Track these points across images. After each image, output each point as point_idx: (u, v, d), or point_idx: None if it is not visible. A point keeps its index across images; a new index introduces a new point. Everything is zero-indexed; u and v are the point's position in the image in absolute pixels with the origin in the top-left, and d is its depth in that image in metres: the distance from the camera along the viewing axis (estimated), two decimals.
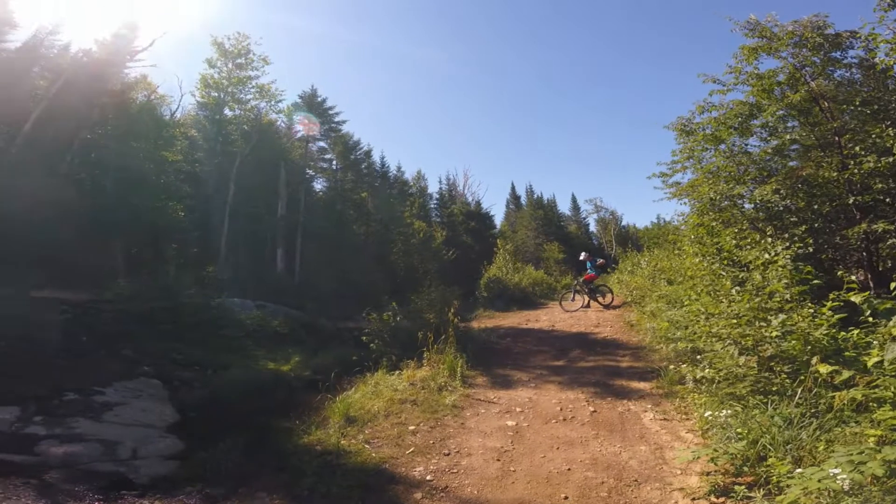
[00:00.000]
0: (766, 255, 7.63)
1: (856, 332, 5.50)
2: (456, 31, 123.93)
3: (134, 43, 21.58)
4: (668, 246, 17.88)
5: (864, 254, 9.36)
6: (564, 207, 66.86)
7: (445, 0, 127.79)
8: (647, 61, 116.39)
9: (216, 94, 29.71)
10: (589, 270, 18.11)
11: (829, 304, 5.80)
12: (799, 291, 6.48)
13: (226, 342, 12.89)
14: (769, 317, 6.27)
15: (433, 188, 53.29)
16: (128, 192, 19.41)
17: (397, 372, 9.13)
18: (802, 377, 5.34)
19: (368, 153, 38.63)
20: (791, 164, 10.75)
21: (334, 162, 36.45)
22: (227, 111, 30.46)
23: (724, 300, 7.69)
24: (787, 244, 7.83)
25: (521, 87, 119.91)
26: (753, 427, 4.94)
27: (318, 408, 7.74)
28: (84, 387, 7.90)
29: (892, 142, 8.26)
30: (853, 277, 7.58)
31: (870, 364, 4.79)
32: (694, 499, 4.58)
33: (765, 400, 5.42)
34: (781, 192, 9.50)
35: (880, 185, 8.72)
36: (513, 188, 65.59)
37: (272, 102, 31.47)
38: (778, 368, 5.71)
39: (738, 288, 7.68)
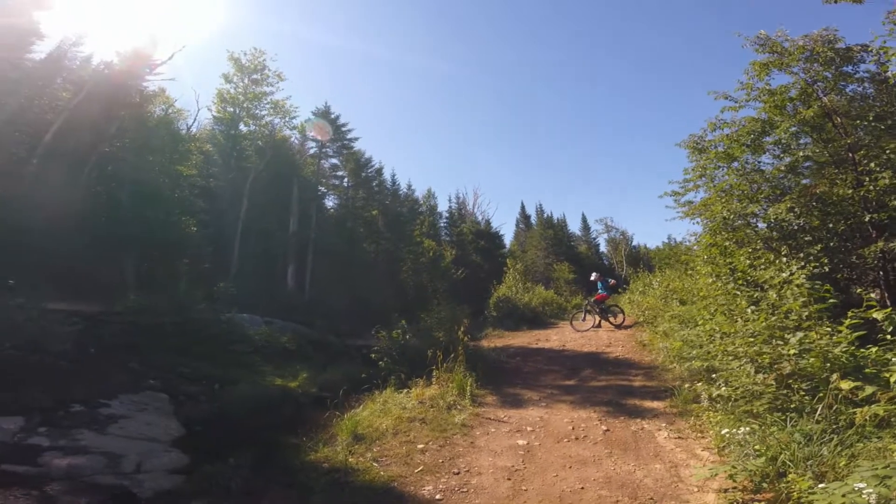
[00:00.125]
0: (783, 275, 7.51)
1: (874, 349, 5.44)
2: (469, 47, 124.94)
3: (154, 56, 21.93)
4: (679, 266, 17.79)
5: (881, 273, 9.23)
6: (575, 227, 66.90)
7: (459, 17, 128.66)
8: (659, 79, 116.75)
9: (232, 110, 30.03)
10: (600, 290, 18.05)
11: (847, 321, 5.73)
12: (817, 310, 6.39)
13: (234, 357, 12.83)
14: (786, 335, 6.20)
15: (443, 206, 53.58)
16: (143, 205, 19.53)
17: (406, 390, 9.03)
18: (821, 394, 5.27)
19: (380, 170, 38.89)
20: (804, 181, 10.64)
21: (346, 179, 36.56)
22: (241, 126, 30.78)
23: (739, 319, 7.60)
24: (803, 263, 7.74)
25: (533, 106, 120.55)
26: (772, 444, 4.84)
27: (326, 425, 7.64)
28: (90, 399, 7.88)
29: None
30: (872, 295, 7.47)
31: (892, 380, 4.73)
32: None
33: (783, 417, 5.33)
34: (796, 210, 9.43)
35: None
36: (522, 207, 65.86)
37: (286, 118, 31.81)
38: (796, 386, 5.64)
39: (753, 307, 7.58)
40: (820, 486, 3.88)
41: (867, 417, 4.58)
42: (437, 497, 5.27)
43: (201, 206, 25.69)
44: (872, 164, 8.85)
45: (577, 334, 16.36)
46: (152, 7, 32.08)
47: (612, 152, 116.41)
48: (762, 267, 8.51)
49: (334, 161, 36.45)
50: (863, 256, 9.05)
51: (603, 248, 67.98)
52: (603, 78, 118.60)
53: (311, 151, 35.76)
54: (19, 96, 17.02)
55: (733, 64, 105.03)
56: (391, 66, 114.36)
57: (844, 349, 5.51)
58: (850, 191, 9.13)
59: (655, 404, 8.17)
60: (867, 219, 8.90)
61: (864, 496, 3.40)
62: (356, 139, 36.08)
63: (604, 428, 7.20)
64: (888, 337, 5.37)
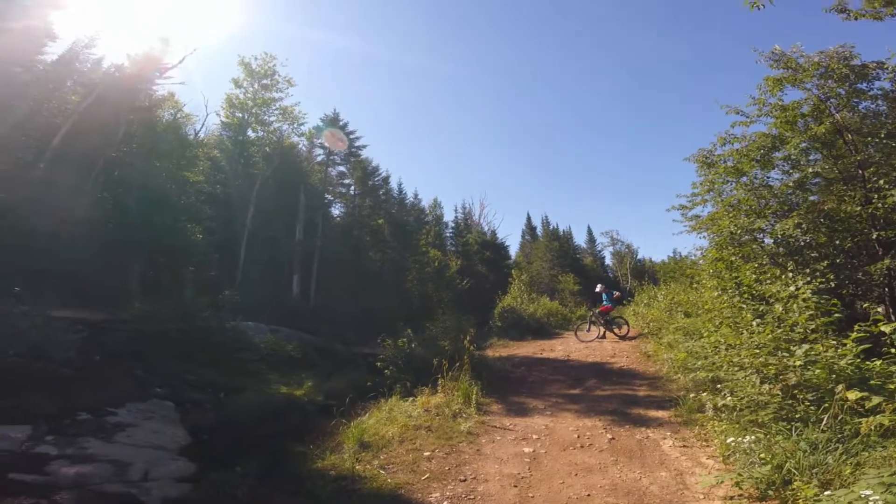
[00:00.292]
0: (789, 289, 7.53)
1: (879, 362, 5.50)
2: (477, 55, 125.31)
3: (164, 59, 21.92)
4: (684, 280, 17.82)
5: (886, 289, 9.22)
6: (580, 239, 66.81)
7: (466, 22, 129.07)
8: (667, 92, 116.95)
9: (240, 115, 30.14)
10: (605, 302, 18.05)
11: (853, 334, 5.79)
12: (823, 323, 6.44)
13: (239, 365, 12.87)
14: (792, 347, 6.25)
15: (449, 216, 53.41)
16: (149, 211, 19.52)
17: (411, 398, 9.08)
18: (827, 404, 5.31)
19: (386, 179, 39.04)
20: (812, 198, 10.66)
21: (353, 187, 36.59)
22: (250, 132, 30.86)
23: (744, 331, 7.62)
24: (809, 279, 7.74)
25: (541, 116, 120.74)
26: (778, 452, 4.88)
27: (332, 433, 7.68)
28: (96, 407, 7.91)
29: None
30: (879, 309, 7.50)
31: None
32: None
33: (788, 426, 5.38)
34: (803, 226, 9.42)
35: None
36: (528, 219, 65.69)
37: (294, 125, 31.99)
38: (801, 396, 5.68)
39: (758, 320, 7.60)
40: (826, 493, 3.93)
41: (872, 427, 4.62)
42: None
43: (208, 212, 25.83)
44: (882, 182, 8.87)
45: (581, 345, 16.33)
46: (163, 9, 32.19)
47: (619, 165, 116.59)
48: (768, 282, 8.54)
49: (341, 169, 36.51)
50: (869, 273, 9.05)
51: (608, 260, 67.76)
52: (610, 91, 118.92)
53: (319, 159, 35.85)
54: (29, 99, 16.97)
55: (743, 76, 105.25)
56: (392, 67, 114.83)
57: (850, 361, 5.56)
58: (859, 208, 9.13)
59: (660, 413, 8.19)
60: (874, 236, 8.91)
61: (870, 503, 3.44)
62: (364, 146, 36.09)
63: (609, 436, 7.23)
64: (893, 350, 5.44)
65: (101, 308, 13.93)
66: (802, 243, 9.76)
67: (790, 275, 8.25)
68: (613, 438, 7.14)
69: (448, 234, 50.03)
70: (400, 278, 34.19)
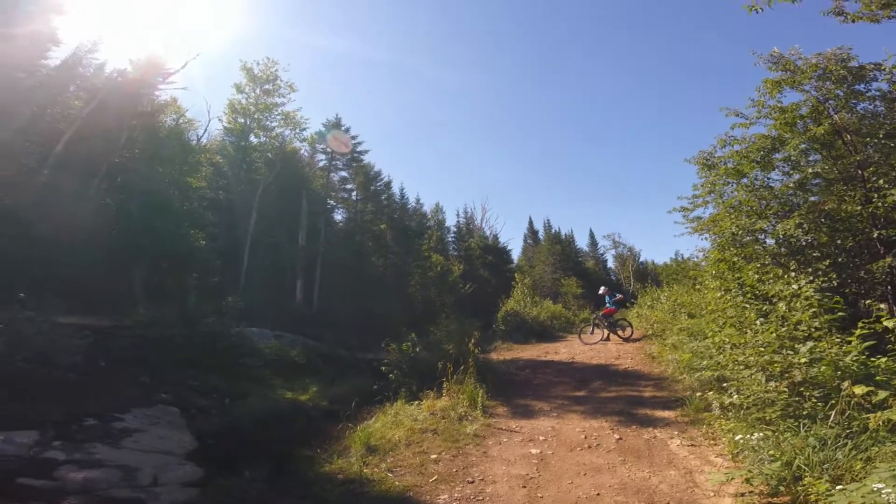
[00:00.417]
0: (792, 287, 7.55)
1: (884, 359, 5.53)
2: (478, 58, 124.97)
3: (167, 64, 21.86)
4: (687, 281, 17.83)
5: (889, 287, 9.24)
6: (582, 243, 66.87)
7: (467, 27, 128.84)
8: (668, 96, 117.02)
9: (242, 121, 30.07)
10: (608, 304, 18.16)
11: (857, 331, 5.82)
12: (827, 320, 6.45)
13: (244, 371, 12.86)
14: (796, 345, 6.26)
15: (451, 221, 53.36)
16: (152, 217, 19.46)
17: (417, 402, 9.08)
18: (834, 401, 5.33)
19: (388, 184, 39.00)
20: (813, 198, 10.70)
21: (355, 192, 36.51)
22: (252, 138, 30.81)
23: (748, 331, 7.63)
24: (811, 278, 7.76)
25: (541, 120, 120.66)
26: (787, 449, 4.92)
27: (339, 437, 7.70)
28: (103, 412, 7.92)
29: None
30: (882, 306, 7.52)
31: None
32: None
33: (796, 423, 5.40)
34: (804, 226, 9.45)
35: None
36: (530, 222, 65.69)
37: (297, 130, 31.87)
38: (808, 393, 5.69)
39: (762, 319, 7.62)
40: (838, 487, 3.95)
41: (881, 422, 4.64)
42: None
43: (210, 218, 25.77)
44: (881, 182, 8.93)
45: (585, 347, 16.39)
46: (165, 14, 32.22)
47: (621, 168, 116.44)
48: (771, 281, 8.56)
49: (343, 174, 36.41)
50: (871, 272, 9.09)
51: (611, 263, 67.95)
52: (611, 93, 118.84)
53: (321, 164, 35.79)
54: (32, 104, 16.91)
55: (743, 79, 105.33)
56: (393, 72, 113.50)
57: (855, 358, 5.59)
58: (859, 207, 9.16)
59: (667, 413, 8.22)
60: (875, 235, 8.93)
61: (883, 496, 3.46)
62: (365, 151, 35.96)
63: (616, 437, 7.25)
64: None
65: (106, 314, 13.95)
66: (804, 243, 9.78)
67: (792, 274, 8.28)
68: (621, 439, 7.16)
69: (450, 239, 49.99)
70: (403, 283, 34.17)
